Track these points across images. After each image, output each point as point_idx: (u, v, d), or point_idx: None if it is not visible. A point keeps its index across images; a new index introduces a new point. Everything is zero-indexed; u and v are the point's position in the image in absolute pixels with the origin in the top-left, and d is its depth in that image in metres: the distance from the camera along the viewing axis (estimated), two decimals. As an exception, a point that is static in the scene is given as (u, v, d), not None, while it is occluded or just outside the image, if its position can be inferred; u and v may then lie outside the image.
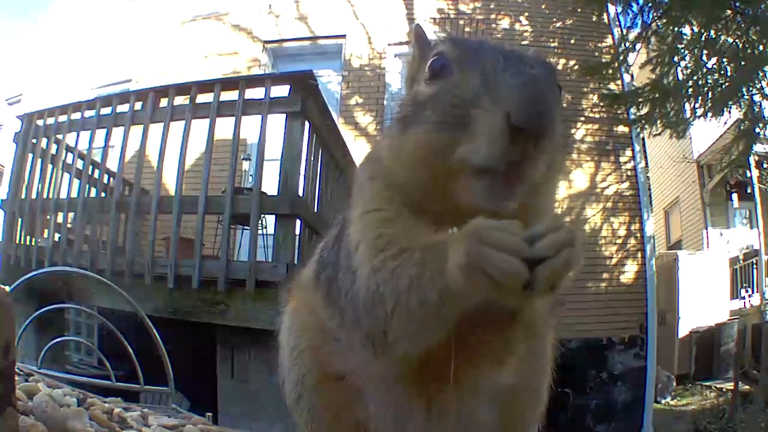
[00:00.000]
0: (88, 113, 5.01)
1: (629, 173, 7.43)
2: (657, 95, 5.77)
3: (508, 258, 0.66)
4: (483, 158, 0.71)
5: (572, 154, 7.50)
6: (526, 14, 7.97)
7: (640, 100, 6.00)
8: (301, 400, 1.01)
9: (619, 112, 6.95)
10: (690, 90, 5.74)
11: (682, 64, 5.99)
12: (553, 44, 7.88)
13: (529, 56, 0.82)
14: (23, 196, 5.26)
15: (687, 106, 5.94)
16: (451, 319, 0.76)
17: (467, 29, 7.88)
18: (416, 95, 0.87)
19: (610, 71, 6.75)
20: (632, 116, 6.52)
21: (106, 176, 5.35)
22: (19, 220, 5.22)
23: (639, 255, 7.20)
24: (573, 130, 7.60)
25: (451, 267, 0.70)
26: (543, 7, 7.98)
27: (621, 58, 6.60)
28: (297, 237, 4.03)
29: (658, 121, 6.04)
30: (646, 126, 6.31)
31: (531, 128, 0.69)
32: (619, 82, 7.28)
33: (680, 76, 6.04)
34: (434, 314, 0.75)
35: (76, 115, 5.09)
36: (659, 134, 6.48)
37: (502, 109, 0.70)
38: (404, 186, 0.83)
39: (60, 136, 5.22)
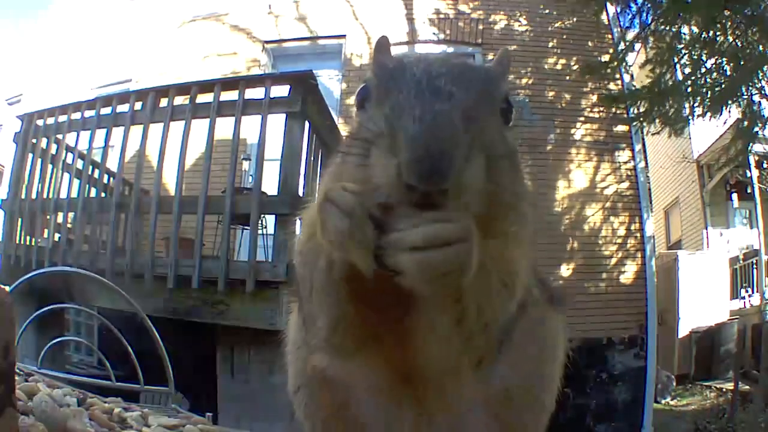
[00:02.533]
0: (88, 113, 5.01)
1: (629, 173, 7.42)
2: (656, 94, 5.77)
3: (337, 212, 0.67)
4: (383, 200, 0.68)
5: (570, 154, 7.53)
6: (525, 14, 7.97)
7: (638, 100, 6.01)
8: (299, 392, 1.04)
9: (618, 112, 6.95)
10: (689, 89, 5.74)
11: (681, 63, 5.99)
12: (552, 44, 7.88)
13: (454, 78, 0.73)
14: (23, 196, 5.26)
15: (686, 106, 5.95)
16: (346, 287, 0.75)
17: (466, 29, 7.89)
18: (352, 126, 0.87)
19: (609, 71, 6.75)
20: (631, 114, 6.52)
21: (106, 176, 5.34)
22: (19, 220, 5.22)
23: (639, 255, 7.20)
24: (573, 130, 7.60)
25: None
26: (542, 7, 7.97)
27: (620, 56, 6.60)
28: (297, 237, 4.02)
29: (657, 120, 6.05)
30: (644, 124, 6.32)
31: (422, 186, 0.64)
32: (618, 81, 7.28)
33: (679, 76, 6.04)
34: (329, 282, 0.76)
35: (76, 115, 5.09)
36: (658, 133, 6.48)
37: (395, 160, 0.65)
38: None
39: (60, 136, 5.22)
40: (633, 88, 6.66)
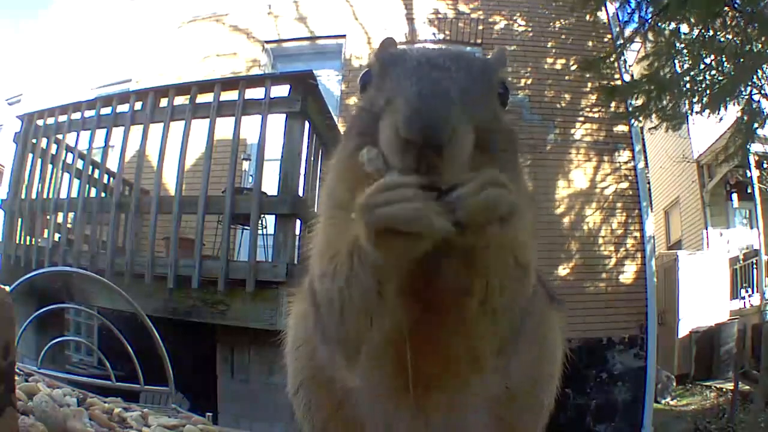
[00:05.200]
0: (88, 113, 5.01)
1: (629, 173, 7.42)
2: (653, 88, 5.76)
3: (404, 204, 0.65)
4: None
5: (570, 154, 7.53)
6: (525, 14, 7.96)
7: (635, 92, 6.00)
8: (299, 392, 1.04)
9: (619, 110, 6.94)
10: (687, 86, 5.74)
11: (680, 60, 5.98)
12: (551, 44, 7.88)
13: (452, 58, 0.78)
14: (23, 196, 5.26)
15: (685, 102, 5.94)
16: (391, 299, 0.76)
17: (465, 29, 7.88)
18: (353, 111, 0.90)
19: (608, 67, 6.73)
20: (629, 108, 6.50)
21: (106, 176, 5.35)
22: (19, 220, 5.23)
23: (639, 255, 7.20)
24: (573, 130, 7.60)
25: (364, 245, 0.71)
26: (541, 7, 7.97)
27: (618, 50, 6.59)
28: (297, 237, 4.03)
29: (654, 115, 6.04)
30: (641, 118, 6.30)
31: (418, 140, 0.66)
32: (617, 78, 7.27)
33: (678, 71, 6.04)
34: (374, 297, 0.76)
35: (76, 115, 5.09)
36: (655, 128, 6.47)
37: (394, 122, 0.68)
38: (342, 200, 0.83)
39: (60, 136, 5.22)
40: (630, 80, 6.65)
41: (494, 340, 0.83)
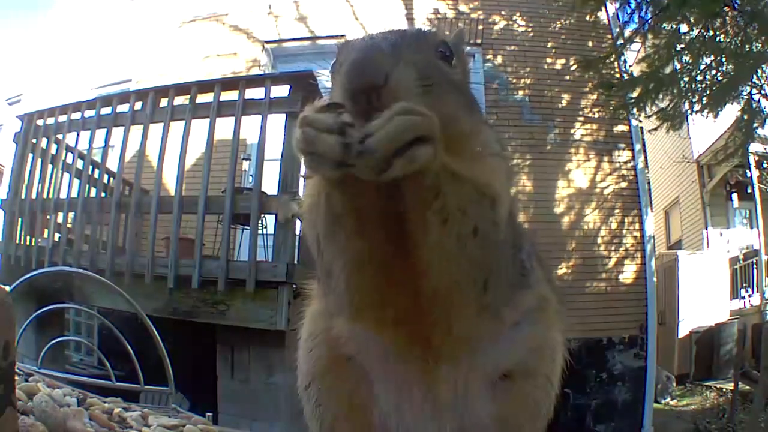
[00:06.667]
0: (88, 113, 5.02)
1: (629, 173, 7.42)
2: (652, 84, 5.76)
3: (303, 129, 0.72)
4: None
5: (570, 153, 7.53)
6: (525, 14, 7.96)
7: (635, 87, 5.99)
8: (311, 386, 1.05)
9: (619, 103, 6.90)
10: (686, 86, 5.74)
11: (679, 60, 5.98)
12: (551, 44, 7.88)
13: (388, 32, 0.87)
14: (23, 196, 5.26)
15: (685, 102, 5.94)
16: (348, 219, 0.80)
17: (465, 29, 7.88)
18: None
19: (608, 67, 6.71)
20: (628, 100, 6.49)
21: (106, 176, 5.35)
22: (19, 220, 5.22)
23: (639, 255, 7.20)
24: (572, 130, 7.60)
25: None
26: (541, 8, 7.97)
27: (619, 51, 6.59)
28: (297, 237, 4.03)
29: (654, 116, 6.03)
30: (635, 111, 6.29)
31: (357, 86, 0.73)
32: (617, 78, 7.26)
33: (678, 70, 6.03)
34: (332, 219, 0.82)
35: (76, 115, 5.09)
36: (655, 129, 6.46)
37: (340, 79, 0.78)
38: None
39: (60, 136, 5.22)
40: (630, 76, 6.65)
41: (475, 271, 0.84)
